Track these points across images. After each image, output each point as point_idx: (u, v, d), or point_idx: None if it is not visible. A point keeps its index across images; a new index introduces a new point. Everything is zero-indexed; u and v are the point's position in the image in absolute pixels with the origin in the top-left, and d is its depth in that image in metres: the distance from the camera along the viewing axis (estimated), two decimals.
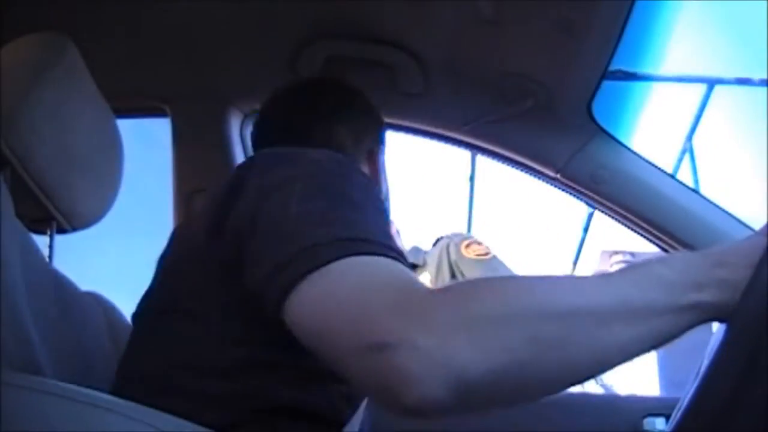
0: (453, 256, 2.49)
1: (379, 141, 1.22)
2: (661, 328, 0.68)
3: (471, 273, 2.43)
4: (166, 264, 0.94)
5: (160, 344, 0.87)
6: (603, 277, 0.71)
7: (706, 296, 0.68)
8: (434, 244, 2.64)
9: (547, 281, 0.70)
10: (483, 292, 0.67)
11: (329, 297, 0.68)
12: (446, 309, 0.64)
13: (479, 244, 2.57)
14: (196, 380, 0.81)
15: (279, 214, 0.77)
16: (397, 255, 0.73)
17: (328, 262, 0.69)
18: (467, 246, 2.52)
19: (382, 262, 0.71)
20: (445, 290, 0.68)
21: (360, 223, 0.75)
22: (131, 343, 0.92)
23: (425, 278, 2.50)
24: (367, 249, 0.71)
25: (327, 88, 1.23)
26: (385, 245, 0.73)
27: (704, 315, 0.69)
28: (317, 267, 0.69)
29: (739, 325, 0.67)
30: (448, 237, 2.61)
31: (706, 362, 0.70)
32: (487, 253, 2.53)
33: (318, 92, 1.21)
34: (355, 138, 1.15)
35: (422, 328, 0.62)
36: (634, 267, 0.73)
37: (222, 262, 0.81)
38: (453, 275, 2.46)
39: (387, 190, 1.21)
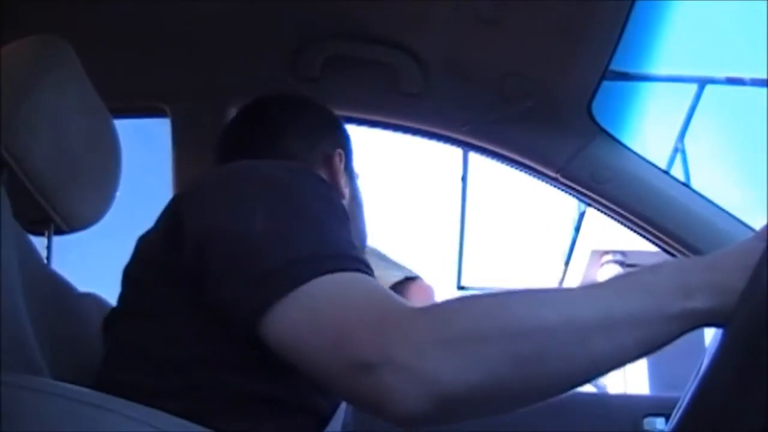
0: None
1: (338, 144, 1.22)
2: (649, 337, 0.68)
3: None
4: (129, 273, 0.94)
5: (122, 348, 0.88)
6: (585, 288, 0.72)
7: (697, 303, 0.68)
8: None
9: (526, 296, 0.71)
10: (462, 309, 0.69)
11: (308, 318, 0.69)
12: (426, 327, 0.66)
13: None
14: (155, 378, 0.81)
15: (244, 229, 0.78)
16: (365, 267, 0.75)
17: (302, 282, 0.70)
18: None
19: (356, 279, 0.73)
20: (424, 308, 0.69)
21: (327, 237, 0.77)
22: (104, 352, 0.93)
23: None
24: (338, 265, 0.72)
25: (273, 104, 1.26)
26: (353, 258, 0.75)
27: (696, 321, 0.69)
28: (292, 287, 0.70)
29: (739, 324, 0.67)
30: None
31: (706, 361, 0.70)
32: None
33: (264, 109, 1.25)
34: (307, 145, 1.17)
35: (403, 346, 0.64)
36: (621, 276, 0.74)
37: (181, 270, 0.82)
38: None
39: (355, 191, 1.22)
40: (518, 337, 0.66)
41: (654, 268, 0.72)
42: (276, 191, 0.82)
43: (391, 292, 0.73)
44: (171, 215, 0.87)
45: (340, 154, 1.19)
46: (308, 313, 0.69)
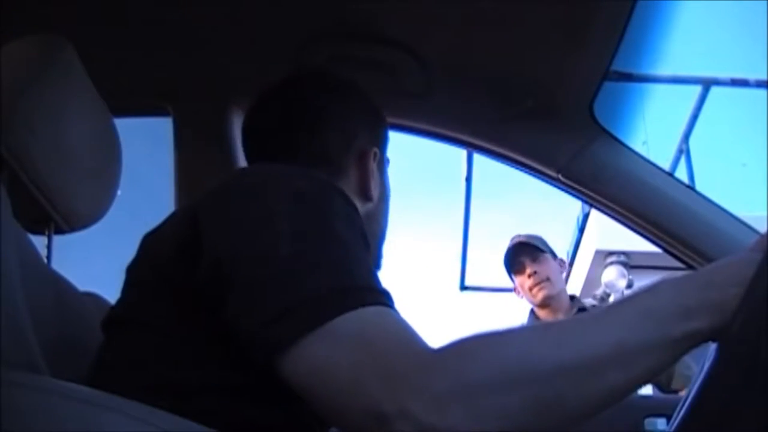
0: None
1: (375, 141, 1.14)
2: (658, 363, 0.69)
3: None
4: (132, 273, 0.91)
5: (117, 358, 0.86)
6: (594, 319, 0.72)
7: (697, 323, 0.68)
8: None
9: (539, 334, 0.70)
10: (479, 355, 0.67)
11: (326, 360, 0.68)
12: (443, 376, 0.64)
13: None
14: (146, 397, 0.75)
15: (269, 253, 0.75)
16: (385, 298, 0.73)
17: (324, 321, 0.69)
18: None
19: (377, 315, 0.71)
20: (442, 353, 0.67)
21: (352, 265, 0.75)
22: (98, 352, 0.90)
23: None
24: (361, 301, 0.71)
25: (316, 89, 1.14)
26: (377, 291, 0.73)
27: (698, 341, 0.69)
28: (314, 327, 0.68)
29: (740, 325, 0.66)
30: None
31: (707, 362, 0.70)
32: None
33: (305, 95, 1.13)
34: (344, 141, 1.09)
35: (419, 397, 0.63)
36: (624, 303, 0.73)
37: (194, 287, 0.79)
38: None
39: (385, 190, 1.16)
40: (537, 383, 0.65)
41: (654, 291, 0.71)
42: (305, 209, 0.80)
43: (412, 330, 0.71)
44: (188, 224, 0.83)
45: (375, 153, 1.12)
46: (326, 355, 0.68)
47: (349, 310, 0.69)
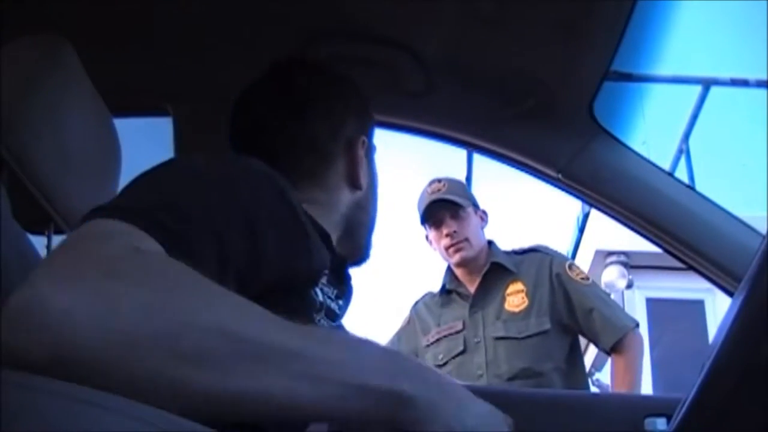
0: (555, 272, 2.47)
1: (362, 129, 1.13)
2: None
3: (578, 296, 2.42)
4: None
5: None
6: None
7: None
8: (523, 253, 2.61)
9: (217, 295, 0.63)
10: (135, 285, 0.59)
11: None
12: (88, 273, 0.58)
13: (579, 268, 2.57)
14: None
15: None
16: (144, 217, 0.68)
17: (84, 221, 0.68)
18: (570, 267, 2.50)
19: (108, 224, 0.67)
20: (123, 262, 0.61)
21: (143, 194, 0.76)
22: None
23: (517, 287, 2.49)
24: (116, 215, 0.68)
25: (302, 77, 1.13)
26: (136, 210, 0.69)
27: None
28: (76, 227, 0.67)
29: (740, 324, 0.66)
30: (545, 252, 2.56)
31: (707, 363, 0.70)
32: (588, 278, 2.54)
33: (291, 84, 1.12)
34: (331, 130, 1.08)
35: (43, 278, 0.57)
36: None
37: None
38: (553, 292, 2.44)
39: (373, 181, 1.14)
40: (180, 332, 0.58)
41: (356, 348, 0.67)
42: (187, 179, 0.80)
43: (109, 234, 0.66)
44: None
45: (363, 141, 1.11)
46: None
47: (98, 218, 0.67)
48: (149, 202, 0.73)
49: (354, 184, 1.10)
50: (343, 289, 1.02)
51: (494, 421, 0.70)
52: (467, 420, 0.67)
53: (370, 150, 1.15)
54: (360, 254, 1.15)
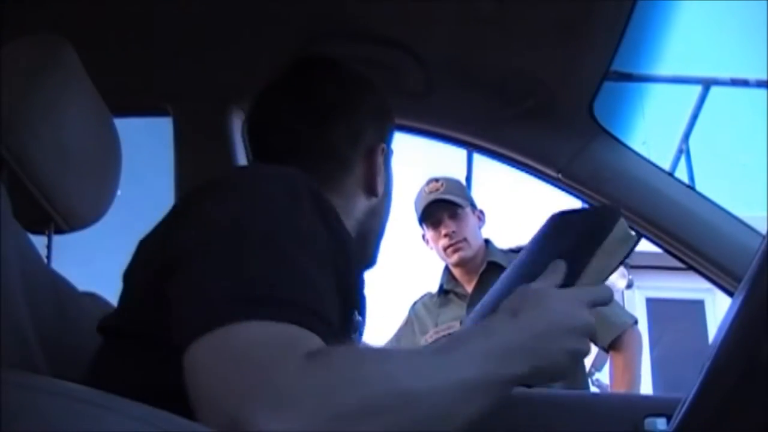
0: None
1: (382, 136, 1.11)
2: (486, 404, 0.71)
3: None
4: (127, 281, 0.89)
5: (111, 368, 0.84)
6: (440, 355, 0.72)
7: (520, 368, 0.74)
8: (520, 251, 2.57)
9: (407, 366, 0.69)
10: (347, 381, 0.64)
11: (207, 364, 0.65)
12: (306, 400, 0.62)
13: None
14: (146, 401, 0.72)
15: (203, 252, 0.74)
16: (296, 310, 0.69)
17: (216, 327, 0.66)
18: None
19: (265, 330, 0.67)
20: (313, 371, 0.64)
21: (277, 275, 0.72)
22: (95, 357, 0.88)
23: None
24: (263, 312, 0.67)
25: (323, 81, 1.11)
26: (284, 302, 0.69)
27: (514, 385, 0.74)
28: (203, 332, 0.66)
29: (740, 324, 0.66)
30: None
31: (707, 362, 0.70)
32: None
33: (312, 88, 1.09)
34: (352, 138, 1.07)
35: (277, 418, 0.60)
36: (458, 342, 0.75)
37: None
38: None
39: (388, 188, 1.13)
40: (399, 411, 0.64)
41: (486, 333, 0.76)
42: (261, 213, 0.78)
43: (292, 347, 0.66)
44: (166, 227, 0.84)
45: (383, 149, 1.09)
46: (212, 358, 0.66)
47: (243, 320, 0.66)
48: (289, 287, 0.72)
49: (371, 191, 1.08)
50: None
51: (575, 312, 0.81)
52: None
53: (388, 156, 1.13)
54: (368, 260, 1.13)
